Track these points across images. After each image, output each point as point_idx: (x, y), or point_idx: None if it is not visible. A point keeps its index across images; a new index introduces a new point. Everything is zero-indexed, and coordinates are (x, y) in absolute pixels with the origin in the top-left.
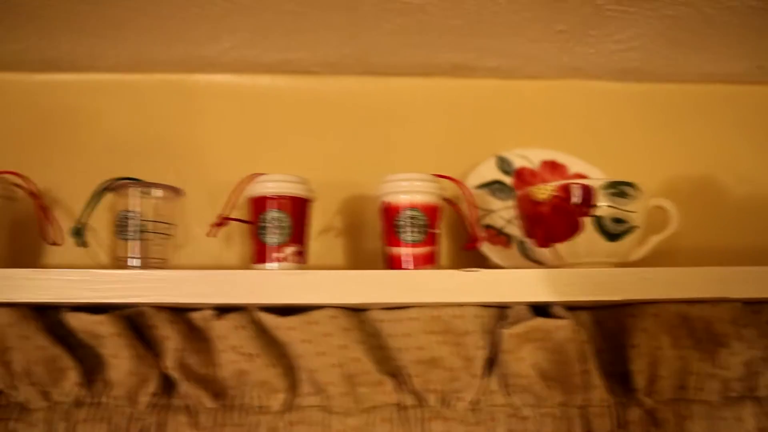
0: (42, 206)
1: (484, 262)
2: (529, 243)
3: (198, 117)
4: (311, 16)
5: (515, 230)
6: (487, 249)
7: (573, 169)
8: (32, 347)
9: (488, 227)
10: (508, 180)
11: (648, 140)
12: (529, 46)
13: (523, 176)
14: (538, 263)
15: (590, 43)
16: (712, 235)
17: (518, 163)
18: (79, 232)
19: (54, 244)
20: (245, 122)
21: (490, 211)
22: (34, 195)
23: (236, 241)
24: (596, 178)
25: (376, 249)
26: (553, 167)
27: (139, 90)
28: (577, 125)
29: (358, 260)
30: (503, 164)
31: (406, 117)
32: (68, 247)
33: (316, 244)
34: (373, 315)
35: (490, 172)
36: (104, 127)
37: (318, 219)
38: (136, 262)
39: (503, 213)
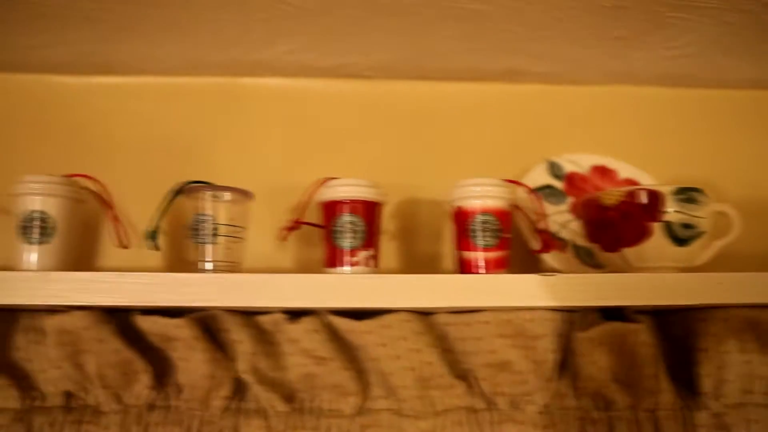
0: (112, 209)
1: (537, 267)
2: (594, 248)
3: (249, 121)
4: (373, 20)
5: (569, 234)
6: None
7: (623, 174)
8: (107, 350)
9: (542, 232)
10: (559, 185)
11: (697, 145)
12: (583, 51)
13: (573, 181)
14: (596, 267)
15: (644, 49)
16: (764, 241)
17: (568, 168)
18: (153, 236)
19: (124, 246)
20: (296, 126)
21: (543, 216)
22: (105, 198)
23: (289, 244)
24: (665, 184)
25: (431, 252)
26: (603, 172)
27: (191, 93)
28: (626, 130)
29: (412, 263)
30: (554, 169)
31: (457, 122)
32: (122, 250)
33: None
34: (440, 318)
35: (541, 177)
36: (157, 130)
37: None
38: (209, 266)
39: (556, 217)
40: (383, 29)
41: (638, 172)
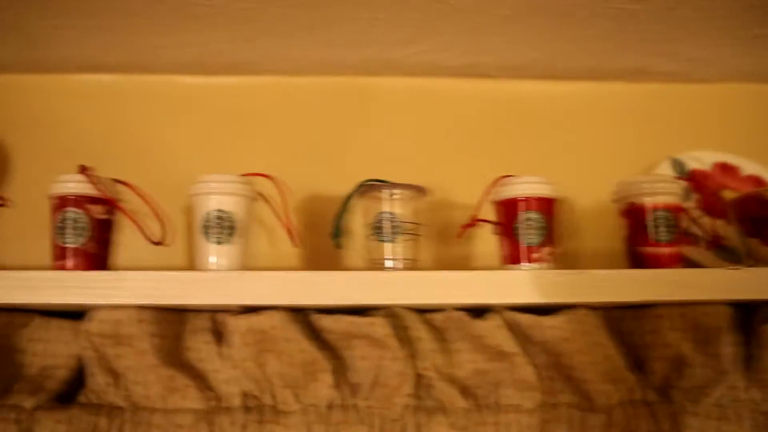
0: (287, 208)
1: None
2: (752, 243)
3: (379, 120)
4: (524, 19)
5: (699, 230)
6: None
7: (746, 170)
8: (293, 350)
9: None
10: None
11: None
12: (712, 50)
13: (697, 178)
14: (733, 263)
15: None
16: None
17: (692, 165)
18: (338, 234)
19: (296, 246)
20: (424, 125)
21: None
22: (281, 196)
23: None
24: None
25: (567, 248)
26: (726, 169)
27: (320, 93)
28: (749, 128)
29: None
30: (677, 166)
31: (583, 120)
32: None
33: None
34: (613, 313)
35: (665, 173)
36: (281, 128)
37: None
38: (392, 263)
39: None
40: (530, 28)
41: (761, 169)
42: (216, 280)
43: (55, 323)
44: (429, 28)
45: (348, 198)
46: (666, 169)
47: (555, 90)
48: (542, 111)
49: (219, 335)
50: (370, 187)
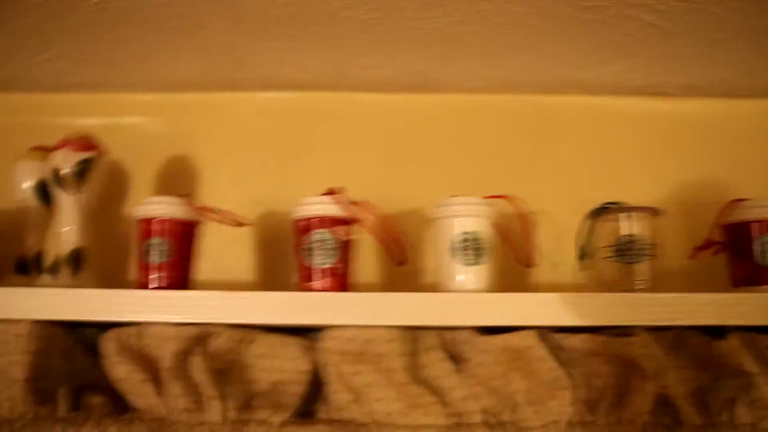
0: (527, 228)
1: None
2: None
3: (557, 138)
4: (729, 41)
5: None
6: None
7: None
8: (544, 368)
9: None
10: None
11: None
12: None
13: None
14: None
15: None
16: None
17: None
18: (585, 257)
19: (529, 266)
20: (600, 143)
21: None
22: (523, 218)
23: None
24: None
25: None
26: None
27: (501, 110)
28: None
29: None
30: None
31: (756, 138)
32: None
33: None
34: None
35: None
36: (462, 146)
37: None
38: (636, 285)
39: None
40: (727, 49)
41: None
42: (475, 302)
43: (277, 339)
44: (628, 50)
45: (590, 220)
46: None
47: (735, 107)
48: (722, 128)
49: (449, 352)
50: (606, 210)
